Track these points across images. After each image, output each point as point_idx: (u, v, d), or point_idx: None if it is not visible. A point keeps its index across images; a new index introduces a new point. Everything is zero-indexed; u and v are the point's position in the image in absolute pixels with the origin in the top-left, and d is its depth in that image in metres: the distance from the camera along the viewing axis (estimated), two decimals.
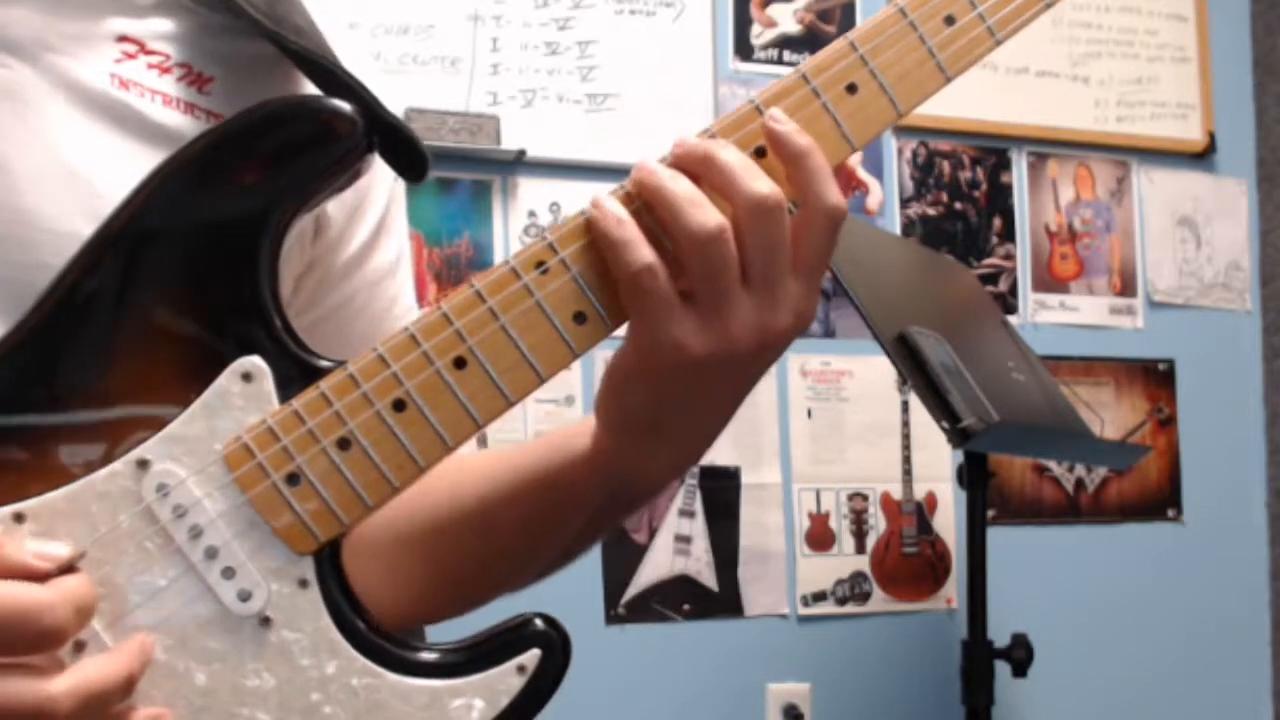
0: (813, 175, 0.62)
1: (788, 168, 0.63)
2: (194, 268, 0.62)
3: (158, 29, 0.70)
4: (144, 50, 0.68)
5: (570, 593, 2.06)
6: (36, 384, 0.60)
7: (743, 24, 2.29)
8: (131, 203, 0.62)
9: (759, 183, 0.61)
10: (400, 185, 0.82)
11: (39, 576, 0.55)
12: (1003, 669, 1.85)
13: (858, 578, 2.27)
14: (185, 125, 0.68)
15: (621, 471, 0.70)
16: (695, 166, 0.63)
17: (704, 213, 0.61)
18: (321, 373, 0.62)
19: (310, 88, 0.71)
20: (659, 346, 0.62)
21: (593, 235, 0.62)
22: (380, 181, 0.80)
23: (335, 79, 0.68)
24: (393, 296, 0.83)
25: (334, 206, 0.76)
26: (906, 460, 2.31)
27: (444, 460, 0.63)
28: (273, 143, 0.63)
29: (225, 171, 0.62)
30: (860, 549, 2.28)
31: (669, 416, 0.67)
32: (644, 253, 0.61)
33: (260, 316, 0.62)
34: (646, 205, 0.62)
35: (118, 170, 0.65)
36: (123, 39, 0.68)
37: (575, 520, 0.74)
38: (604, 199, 0.63)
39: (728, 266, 0.61)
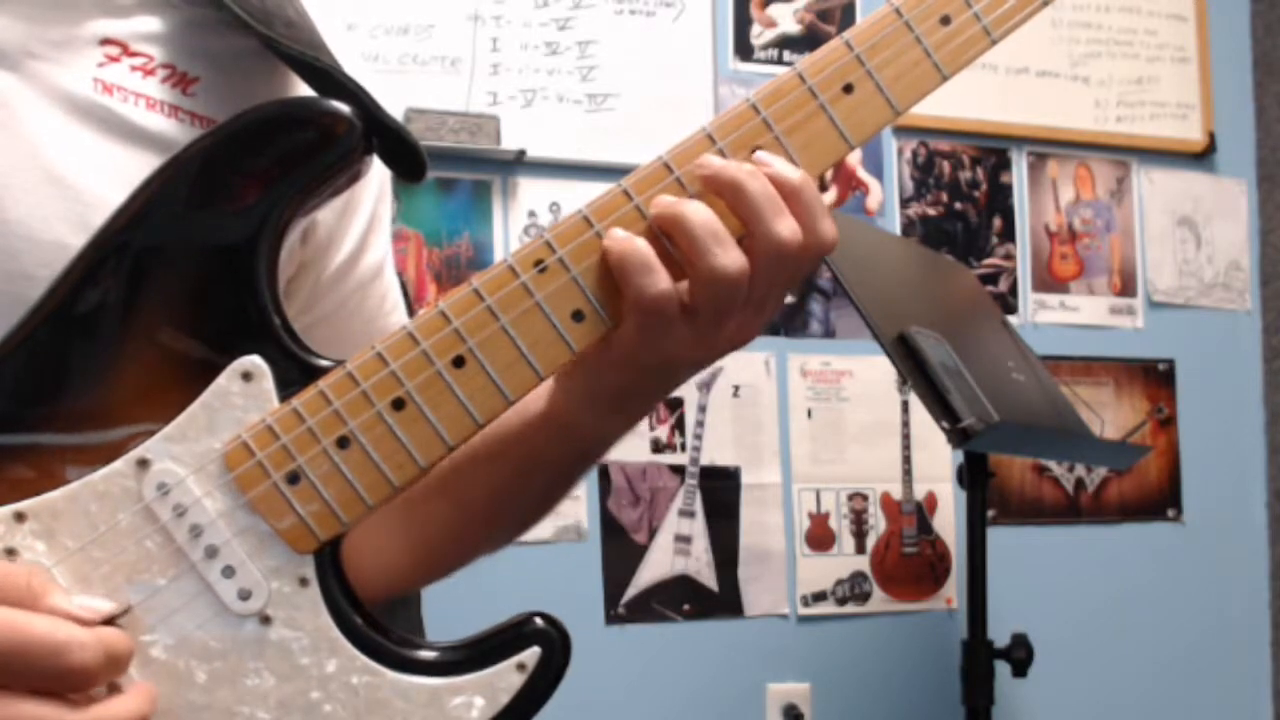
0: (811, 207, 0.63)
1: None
2: (193, 271, 0.62)
3: (141, 29, 0.69)
4: (127, 52, 0.68)
5: (570, 593, 2.08)
6: (37, 385, 0.60)
7: (743, 24, 2.29)
8: (130, 206, 0.62)
9: (784, 225, 0.62)
10: (386, 175, 0.82)
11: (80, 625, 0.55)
12: (1003, 669, 1.85)
13: (858, 578, 2.27)
14: (169, 128, 0.68)
15: (580, 438, 0.72)
16: (722, 190, 0.62)
17: (728, 255, 0.61)
18: (321, 372, 0.62)
19: (300, 83, 0.70)
20: (651, 352, 0.64)
21: (608, 257, 0.62)
22: (369, 179, 0.79)
23: (330, 79, 0.68)
24: (383, 294, 0.83)
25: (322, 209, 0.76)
26: (906, 460, 2.31)
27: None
28: (271, 146, 0.62)
29: (223, 175, 0.62)
30: (860, 549, 2.28)
31: (636, 398, 0.70)
32: (663, 279, 0.61)
33: (260, 316, 0.62)
34: (664, 233, 0.62)
35: (101, 176, 0.64)
36: (106, 41, 0.67)
37: (538, 479, 0.76)
38: (615, 228, 0.63)
39: (738, 301, 0.62)
